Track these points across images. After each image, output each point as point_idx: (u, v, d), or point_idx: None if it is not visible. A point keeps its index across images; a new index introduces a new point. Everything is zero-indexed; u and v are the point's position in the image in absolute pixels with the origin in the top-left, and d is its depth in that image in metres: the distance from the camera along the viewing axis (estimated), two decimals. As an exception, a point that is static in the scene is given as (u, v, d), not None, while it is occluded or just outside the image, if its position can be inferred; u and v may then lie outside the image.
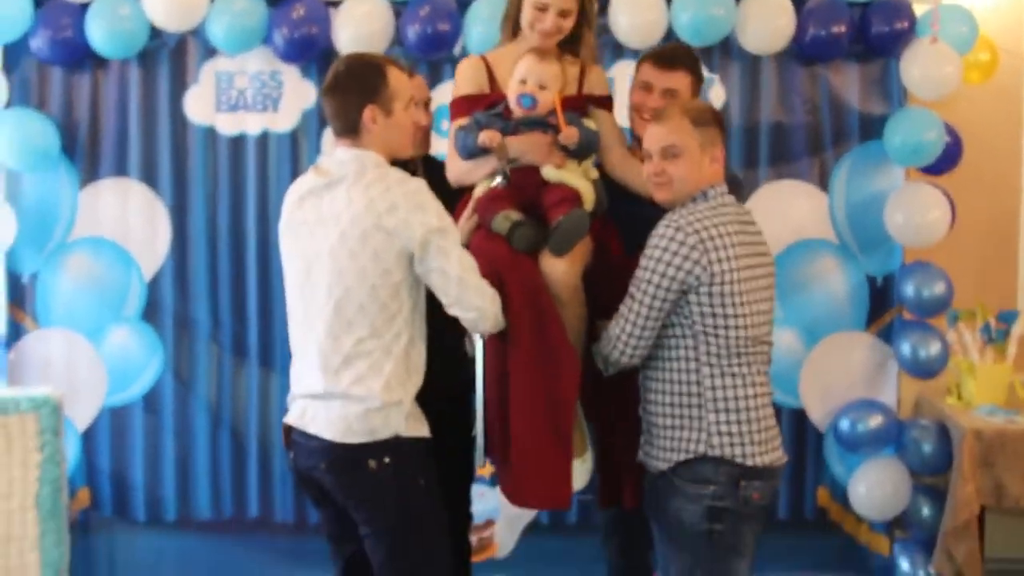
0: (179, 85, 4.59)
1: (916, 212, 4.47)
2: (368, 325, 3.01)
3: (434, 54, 4.47)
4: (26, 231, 4.52)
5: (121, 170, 4.60)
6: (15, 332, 4.62)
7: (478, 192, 3.40)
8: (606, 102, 3.56)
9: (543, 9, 3.39)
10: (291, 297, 3.18)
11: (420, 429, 3.11)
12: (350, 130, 3.08)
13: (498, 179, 3.34)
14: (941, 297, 4.54)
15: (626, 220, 3.43)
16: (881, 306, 4.69)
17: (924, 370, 4.56)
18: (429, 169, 3.67)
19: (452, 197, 3.40)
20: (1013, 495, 4.30)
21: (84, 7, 4.37)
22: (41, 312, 4.62)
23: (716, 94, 4.58)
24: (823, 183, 4.65)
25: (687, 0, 4.34)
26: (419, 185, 3.04)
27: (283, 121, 4.60)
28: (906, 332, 4.59)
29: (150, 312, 4.64)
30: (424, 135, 3.72)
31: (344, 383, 3.02)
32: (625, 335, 3.13)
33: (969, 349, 4.63)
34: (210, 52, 4.55)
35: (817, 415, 4.69)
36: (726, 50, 4.55)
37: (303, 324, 3.13)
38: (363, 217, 2.97)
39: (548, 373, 3.23)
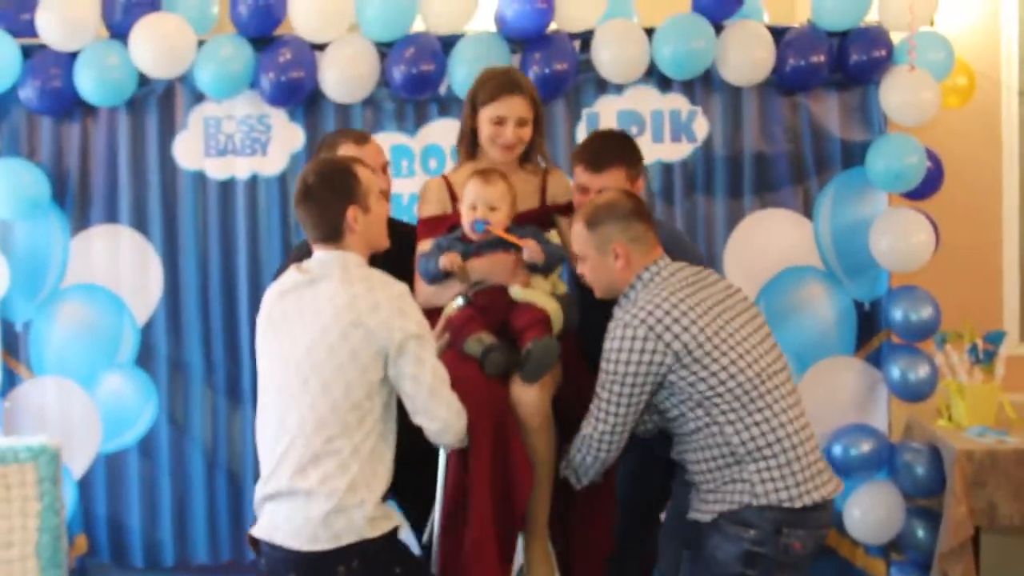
0: (168, 131, 4.61)
1: (900, 237, 4.51)
2: (340, 423, 3.01)
3: (420, 94, 4.50)
4: (18, 279, 4.53)
5: (112, 217, 4.61)
6: (10, 381, 4.62)
7: (445, 312, 3.43)
8: (567, 208, 3.61)
9: (501, 123, 3.48)
10: (264, 393, 3.17)
11: (386, 525, 3.07)
12: (334, 235, 3.12)
13: (459, 301, 3.39)
14: (929, 320, 4.57)
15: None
16: (869, 331, 4.71)
17: (914, 393, 4.59)
18: (392, 232, 3.66)
19: (411, 263, 3.50)
20: (1006, 515, 4.33)
21: (72, 56, 4.40)
22: (35, 360, 4.63)
23: (699, 126, 4.62)
24: (807, 211, 4.68)
25: (668, 34, 4.40)
26: (403, 290, 3.08)
27: (272, 164, 4.61)
28: (895, 356, 4.62)
29: (144, 357, 4.64)
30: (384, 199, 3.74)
31: (310, 481, 2.99)
32: (599, 433, 3.18)
33: (957, 371, 4.66)
34: (198, 98, 4.58)
35: (810, 441, 4.69)
36: (708, 82, 4.59)
37: (275, 421, 3.10)
38: (344, 314, 3.00)
39: (501, 500, 3.27)
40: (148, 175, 4.62)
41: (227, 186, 4.64)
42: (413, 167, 4.61)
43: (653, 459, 3.60)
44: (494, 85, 3.52)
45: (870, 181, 4.57)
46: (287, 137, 4.61)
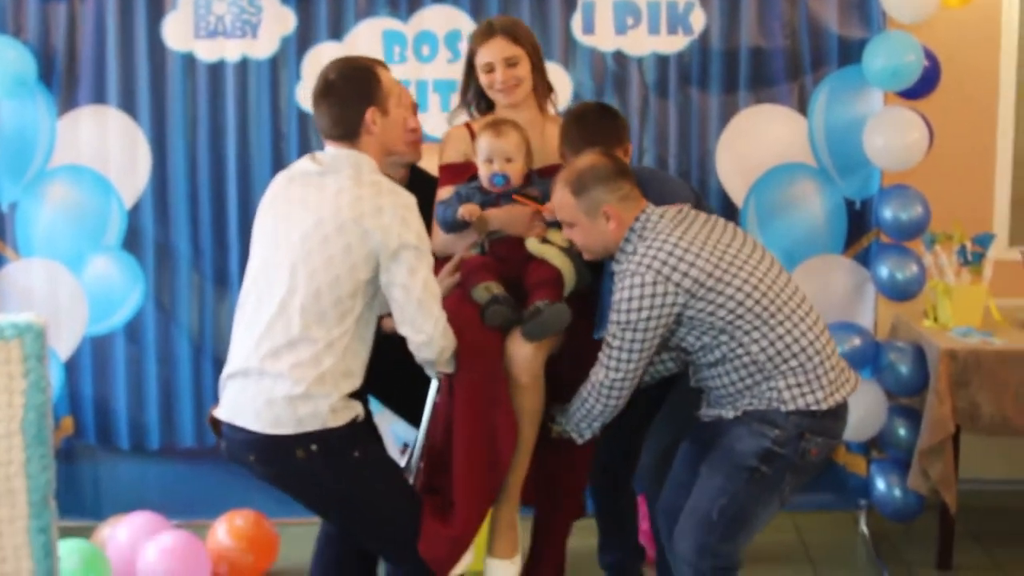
0: (157, 11, 4.55)
1: (894, 136, 4.48)
2: (319, 313, 2.99)
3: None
4: (4, 160, 4.52)
5: (100, 98, 4.56)
6: (-4, 262, 4.62)
7: (462, 253, 3.44)
8: None
9: (491, 70, 3.49)
10: (252, 271, 3.15)
11: (348, 415, 3.06)
12: (350, 134, 3.12)
13: (474, 252, 3.39)
14: (918, 220, 4.56)
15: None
16: (859, 229, 4.70)
17: (901, 292, 4.60)
18: (414, 178, 3.63)
19: (430, 212, 3.45)
20: (987, 415, 4.33)
21: (58, -70, 4.32)
22: (21, 241, 4.61)
23: (696, 18, 4.57)
24: (802, 107, 4.64)
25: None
26: (410, 201, 3.06)
27: (262, 48, 4.56)
28: (883, 255, 4.62)
29: (131, 241, 4.63)
30: (415, 139, 3.60)
31: (282, 365, 2.98)
32: (610, 380, 3.16)
33: (945, 271, 4.66)
34: (188, -24, 4.51)
35: (796, 338, 4.70)
36: (707, -26, 4.55)
37: (256, 300, 3.09)
38: (346, 210, 2.98)
39: (487, 448, 3.24)
40: (136, 56, 4.57)
41: (216, 69, 4.59)
42: (405, 53, 4.56)
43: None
44: (475, 36, 3.59)
45: (866, 79, 4.53)
46: (278, 20, 4.55)
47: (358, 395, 3.13)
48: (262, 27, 4.54)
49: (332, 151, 3.14)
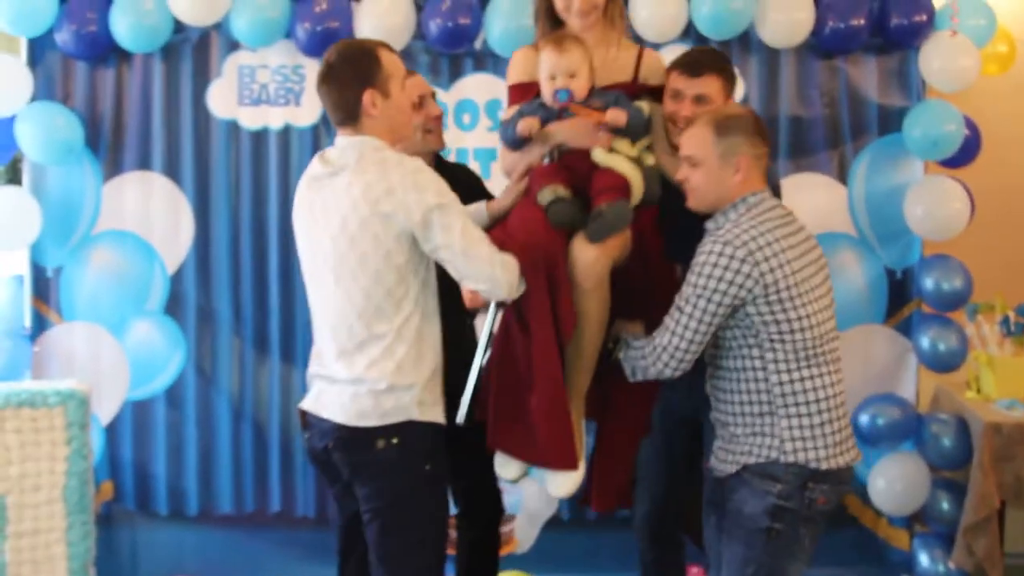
0: (202, 79, 4.62)
1: (935, 205, 4.47)
2: (375, 310, 3.03)
3: (455, 48, 4.48)
4: (51, 225, 4.55)
5: (145, 164, 4.63)
6: (40, 325, 4.65)
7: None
8: (659, 92, 3.51)
9: None
10: (307, 283, 3.22)
11: (434, 415, 3.13)
12: (351, 118, 3.08)
13: (547, 159, 3.35)
14: (960, 290, 4.53)
15: (677, 228, 3.40)
16: (900, 299, 4.68)
17: (943, 364, 4.56)
18: (439, 168, 3.67)
19: (464, 199, 3.39)
20: (1033, 489, 4.30)
21: (109, 1, 4.40)
22: (65, 305, 4.65)
23: (736, 88, 4.58)
24: (842, 176, 4.64)
25: (708, -7, 4.36)
26: (416, 164, 3.04)
27: (305, 115, 4.61)
28: (925, 325, 4.59)
29: (173, 305, 4.67)
30: (437, 127, 3.74)
31: (358, 368, 3.05)
32: (672, 347, 3.11)
33: (988, 342, 4.64)
34: (233, 46, 4.58)
35: (837, 408, 4.67)
36: (745, 44, 4.55)
37: (318, 309, 3.18)
38: (361, 203, 2.99)
39: (554, 344, 3.22)
40: (181, 123, 4.63)
41: (260, 136, 4.64)
42: (446, 121, 4.53)
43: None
44: None
45: (907, 148, 4.53)
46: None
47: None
48: (305, 95, 4.59)
49: (339, 142, 3.12)
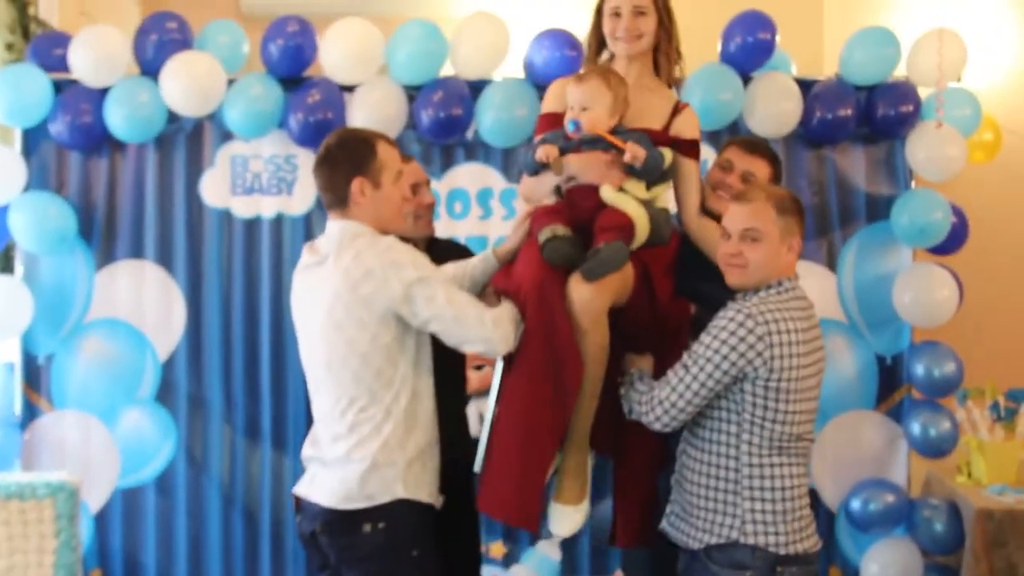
0: (195, 169, 4.65)
1: (924, 292, 4.52)
2: (366, 392, 3.07)
3: (447, 138, 4.53)
4: (43, 313, 4.56)
5: (137, 252, 4.64)
6: (30, 413, 4.63)
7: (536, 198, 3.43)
8: (693, 148, 3.52)
9: (617, 14, 3.43)
10: (305, 370, 3.27)
11: (421, 494, 3.13)
12: (340, 203, 3.14)
13: (551, 197, 3.36)
14: (951, 376, 4.56)
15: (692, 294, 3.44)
16: (890, 385, 4.70)
17: (934, 449, 4.57)
18: (432, 250, 3.71)
19: None
20: (1025, 575, 4.30)
21: (103, 92, 4.44)
22: (56, 393, 4.64)
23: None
24: (831, 263, 4.69)
25: (696, 85, 4.42)
26: (389, 242, 3.08)
27: (298, 204, 4.65)
28: (916, 411, 4.61)
29: (164, 393, 4.66)
30: (428, 215, 3.78)
31: (346, 448, 3.08)
32: (668, 403, 3.13)
33: (979, 427, 4.67)
34: (226, 136, 4.62)
35: (829, 495, 4.69)
36: (734, 133, 4.57)
37: (313, 394, 3.23)
38: (342, 290, 3.03)
39: (551, 388, 3.19)
40: (174, 212, 4.66)
41: (253, 225, 4.67)
42: (438, 210, 4.62)
43: None
44: None
45: (895, 235, 4.59)
46: (313, 178, 4.61)
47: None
48: (297, 184, 4.63)
49: (328, 228, 3.17)
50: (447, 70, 4.53)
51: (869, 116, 4.54)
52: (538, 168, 3.40)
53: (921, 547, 4.58)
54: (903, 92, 4.50)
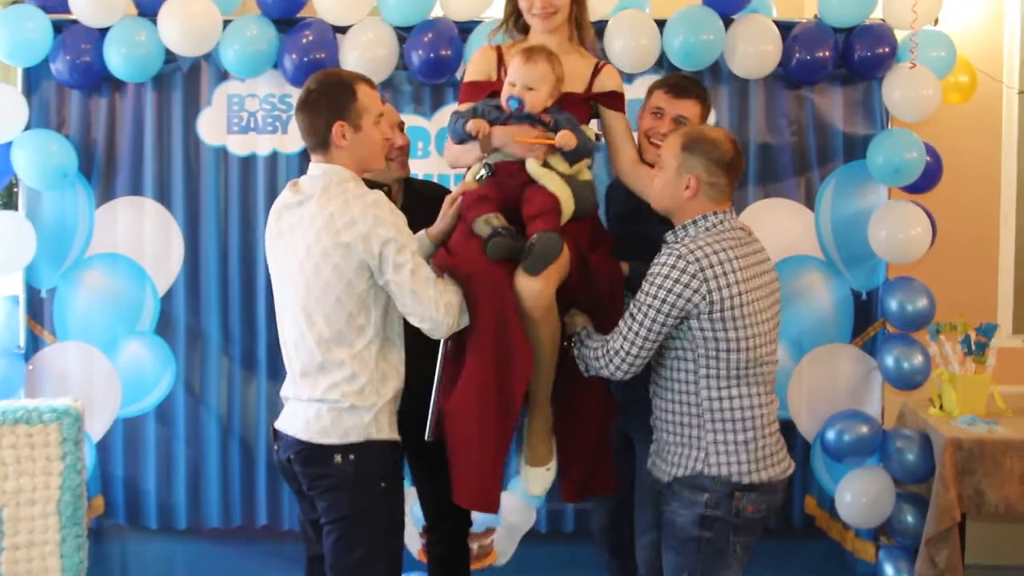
0: (192, 108, 4.73)
1: (899, 229, 4.60)
2: (338, 335, 3.18)
3: (437, 78, 4.60)
4: (45, 248, 4.67)
5: (136, 189, 4.73)
6: (34, 345, 4.75)
7: (467, 178, 3.51)
8: (616, 99, 3.64)
9: None
10: (276, 306, 3.36)
11: (392, 434, 3.27)
12: (321, 145, 3.21)
13: (483, 172, 3.44)
14: (924, 311, 4.65)
15: (635, 239, 3.56)
16: (866, 320, 4.80)
17: (907, 382, 4.67)
18: (408, 191, 3.84)
19: (430, 216, 3.54)
20: (992, 502, 4.43)
21: (103, 32, 4.51)
22: (59, 326, 4.75)
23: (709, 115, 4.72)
24: (809, 201, 4.77)
25: (679, 26, 4.50)
26: (376, 197, 3.16)
27: (292, 143, 4.73)
28: (890, 345, 4.71)
29: (163, 326, 4.77)
30: (402, 156, 3.86)
31: (320, 389, 3.20)
32: (623, 352, 3.25)
33: (950, 361, 4.77)
34: (222, 76, 4.70)
35: (805, 426, 4.80)
36: (715, 74, 4.70)
37: (285, 331, 3.32)
38: (323, 233, 3.12)
39: (499, 381, 3.31)
40: (172, 150, 4.74)
41: (248, 162, 4.75)
42: (428, 148, 4.73)
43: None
44: None
45: (871, 174, 4.66)
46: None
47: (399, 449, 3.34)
48: (291, 123, 4.68)
49: (311, 170, 3.25)
50: (437, 11, 4.60)
51: (847, 58, 4.61)
52: (465, 138, 3.48)
53: (893, 476, 4.69)
54: (879, 34, 4.56)
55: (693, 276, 3.13)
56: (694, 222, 3.26)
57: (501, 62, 3.63)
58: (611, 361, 3.29)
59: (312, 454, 3.21)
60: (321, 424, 3.19)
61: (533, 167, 3.42)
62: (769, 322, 3.27)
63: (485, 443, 3.34)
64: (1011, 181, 5.22)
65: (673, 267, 3.15)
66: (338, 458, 3.19)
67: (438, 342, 3.48)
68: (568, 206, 3.41)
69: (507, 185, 3.42)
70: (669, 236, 3.30)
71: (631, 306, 3.25)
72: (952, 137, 4.97)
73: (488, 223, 3.30)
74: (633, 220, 3.69)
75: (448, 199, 3.51)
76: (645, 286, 3.20)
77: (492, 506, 3.41)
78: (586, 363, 3.41)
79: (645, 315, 3.19)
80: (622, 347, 3.25)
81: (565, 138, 3.39)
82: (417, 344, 3.36)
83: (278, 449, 3.35)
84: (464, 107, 3.56)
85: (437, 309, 3.18)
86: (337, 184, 3.17)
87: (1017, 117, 5.19)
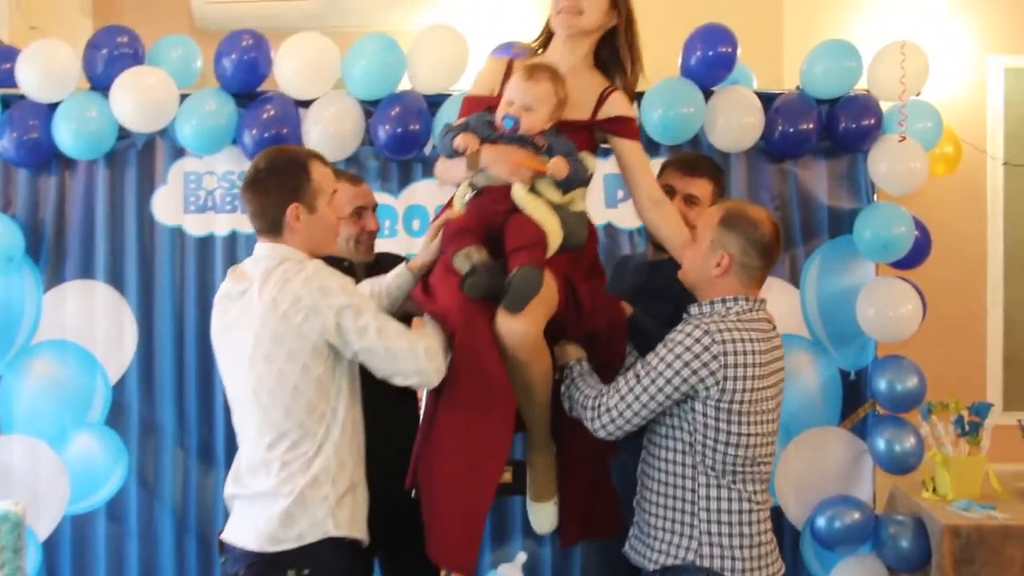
0: (147, 186, 4.59)
1: (887, 306, 4.50)
2: (298, 426, 2.95)
3: (404, 154, 4.45)
4: (-12, 335, 4.47)
5: (87, 272, 4.57)
6: (-24, 438, 4.54)
7: (455, 200, 3.30)
8: (623, 124, 3.36)
9: None
10: (229, 402, 3.14)
11: (353, 530, 3.02)
12: (272, 229, 3.02)
13: (468, 194, 3.24)
14: (914, 391, 4.54)
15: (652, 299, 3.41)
16: (854, 400, 4.68)
17: (899, 465, 4.54)
18: (374, 268, 3.65)
19: None
20: (993, 591, 4.30)
21: (52, 107, 4.37)
22: (3, 418, 4.55)
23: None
24: (794, 279, 4.66)
25: (657, 98, 4.38)
26: (316, 266, 2.95)
27: (251, 221, 4.56)
28: (880, 427, 4.59)
29: (115, 416, 4.58)
30: (370, 241, 3.72)
31: (274, 484, 2.95)
32: (616, 412, 3.07)
33: (943, 442, 4.66)
34: (179, 152, 4.56)
35: (793, 512, 4.65)
36: (696, 147, 4.56)
37: (240, 427, 3.09)
38: (269, 318, 2.91)
39: (475, 431, 3.10)
40: (125, 230, 4.59)
41: (206, 242, 4.61)
42: (396, 227, 4.59)
43: None
44: None
45: (858, 250, 4.57)
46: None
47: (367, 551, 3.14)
48: (252, 202, 4.55)
49: (256, 252, 3.05)
50: (404, 84, 4.47)
51: (831, 130, 4.52)
52: (454, 153, 3.28)
53: (887, 564, 4.55)
54: (864, 105, 4.48)
55: (714, 357, 2.97)
56: (723, 301, 3.10)
57: (508, 76, 3.36)
58: (599, 416, 3.11)
59: (264, 569, 2.95)
60: (271, 530, 2.93)
61: (519, 193, 3.17)
62: (773, 423, 3.13)
63: (458, 498, 3.13)
64: (997, 253, 5.20)
65: (697, 341, 2.98)
66: (291, 573, 2.92)
67: (403, 428, 3.35)
68: (556, 237, 3.17)
69: (491, 212, 3.19)
70: (693, 308, 3.15)
71: (637, 365, 3.09)
72: (938, 210, 4.92)
73: (468, 257, 3.08)
74: (645, 301, 3.49)
75: (430, 229, 3.31)
76: (661, 350, 3.04)
77: (466, 567, 3.16)
78: (571, 404, 3.22)
79: (652, 381, 3.02)
80: (616, 406, 3.07)
81: (556, 166, 3.15)
82: (381, 427, 3.19)
83: (225, 562, 3.08)
84: (458, 123, 3.34)
85: (417, 358, 2.96)
86: (276, 264, 2.97)
87: (1002, 188, 5.14)
